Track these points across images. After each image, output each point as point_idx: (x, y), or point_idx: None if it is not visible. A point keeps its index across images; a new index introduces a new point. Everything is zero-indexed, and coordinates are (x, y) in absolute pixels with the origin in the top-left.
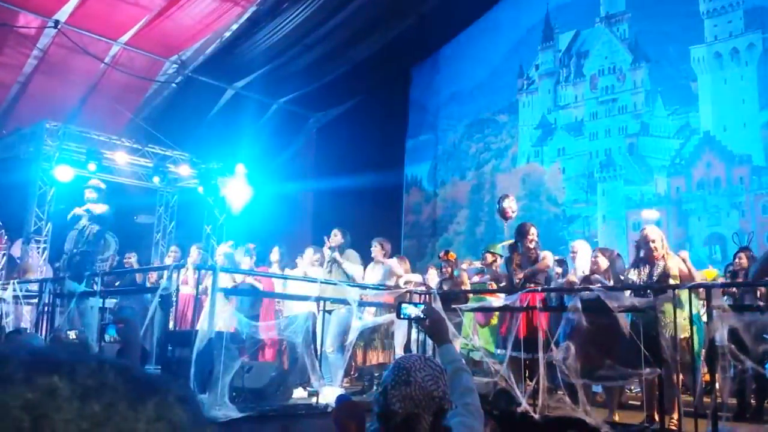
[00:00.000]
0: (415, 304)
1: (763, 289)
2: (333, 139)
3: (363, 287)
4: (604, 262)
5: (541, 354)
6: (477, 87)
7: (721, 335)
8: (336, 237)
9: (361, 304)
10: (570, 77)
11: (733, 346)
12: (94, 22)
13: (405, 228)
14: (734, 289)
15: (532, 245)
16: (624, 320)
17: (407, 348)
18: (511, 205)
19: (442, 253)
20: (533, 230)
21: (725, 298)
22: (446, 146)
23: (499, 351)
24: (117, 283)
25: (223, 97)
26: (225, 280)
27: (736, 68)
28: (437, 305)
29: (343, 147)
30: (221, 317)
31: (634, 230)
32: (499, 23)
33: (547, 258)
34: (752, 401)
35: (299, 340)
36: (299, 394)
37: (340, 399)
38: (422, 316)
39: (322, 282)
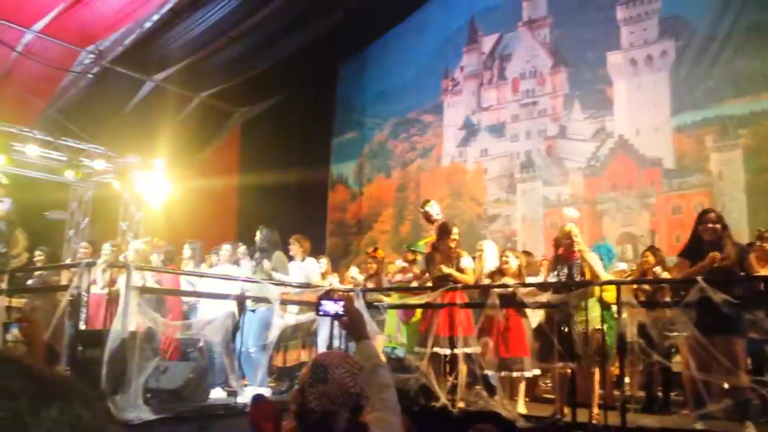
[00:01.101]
0: (335, 301)
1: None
2: (258, 134)
3: (284, 285)
4: (514, 263)
5: (460, 350)
6: (403, 86)
7: (631, 331)
8: (259, 241)
9: (284, 302)
10: (493, 79)
11: (641, 341)
12: (6, 9)
13: (330, 226)
14: (646, 287)
15: (453, 245)
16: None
17: (330, 346)
18: (432, 209)
19: (370, 250)
20: (455, 230)
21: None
22: (372, 145)
23: (417, 349)
24: (28, 282)
25: (142, 90)
26: (141, 279)
27: (650, 74)
28: (360, 303)
29: (269, 143)
30: (135, 316)
31: (552, 229)
32: (426, 23)
33: (467, 271)
34: (659, 393)
35: (218, 339)
36: (218, 394)
37: (256, 399)
38: (341, 313)
39: (244, 279)
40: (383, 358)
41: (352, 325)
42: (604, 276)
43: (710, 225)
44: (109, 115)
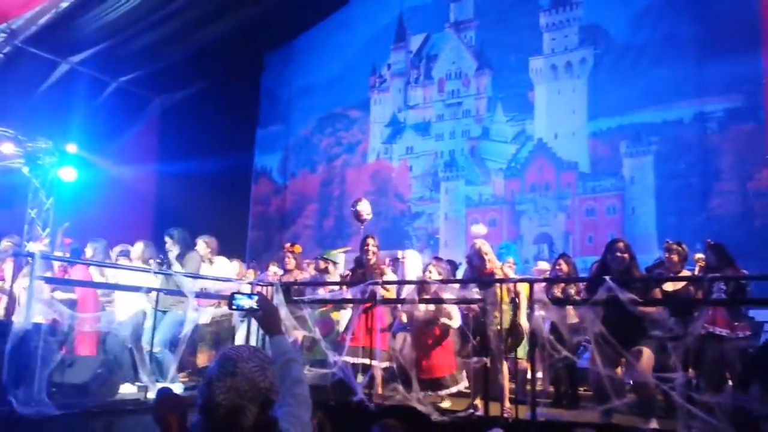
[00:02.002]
0: (249, 296)
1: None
2: (179, 123)
3: (199, 278)
4: (436, 275)
5: (378, 346)
6: (330, 81)
7: (542, 327)
8: (168, 246)
9: (198, 295)
10: (420, 79)
11: (551, 338)
12: None
13: (252, 219)
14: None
15: (373, 258)
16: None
17: (248, 343)
18: (364, 207)
19: (287, 245)
20: (371, 242)
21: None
22: (298, 138)
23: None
24: None
25: (56, 72)
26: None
27: (569, 81)
28: (279, 298)
29: (190, 132)
30: (39, 308)
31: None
32: (354, 19)
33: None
34: (568, 389)
35: (127, 333)
36: (127, 389)
37: (160, 392)
38: (255, 307)
39: (156, 273)
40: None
41: (265, 319)
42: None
43: (618, 254)
44: (19, 98)
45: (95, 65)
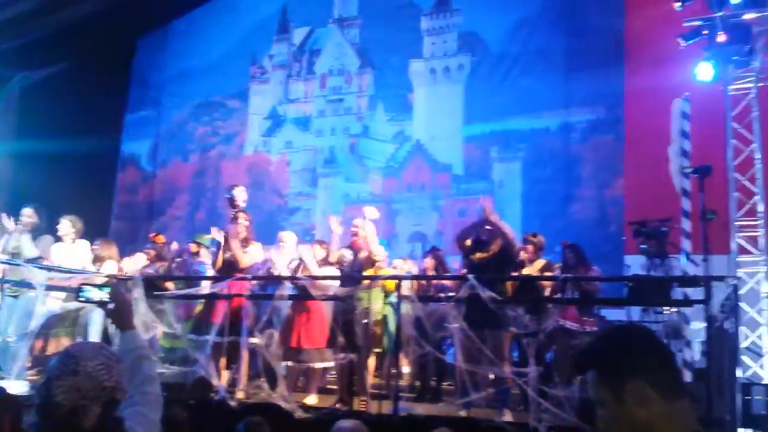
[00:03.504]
0: (99, 287)
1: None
2: (41, 102)
3: (50, 270)
4: (319, 253)
5: (243, 341)
6: (208, 68)
7: (407, 323)
8: (29, 218)
9: (49, 288)
10: (302, 72)
11: (416, 333)
12: None
13: (118, 208)
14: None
15: (241, 230)
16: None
17: (106, 338)
18: (240, 194)
19: (152, 235)
20: (241, 215)
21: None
22: (170, 125)
23: (192, 336)
24: None
25: None
26: None
27: (447, 85)
28: (139, 291)
29: (53, 113)
30: None
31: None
32: (236, 5)
33: (255, 250)
34: (433, 383)
35: None
36: None
37: None
38: (106, 300)
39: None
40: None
41: (117, 313)
42: (378, 249)
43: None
44: None
45: None
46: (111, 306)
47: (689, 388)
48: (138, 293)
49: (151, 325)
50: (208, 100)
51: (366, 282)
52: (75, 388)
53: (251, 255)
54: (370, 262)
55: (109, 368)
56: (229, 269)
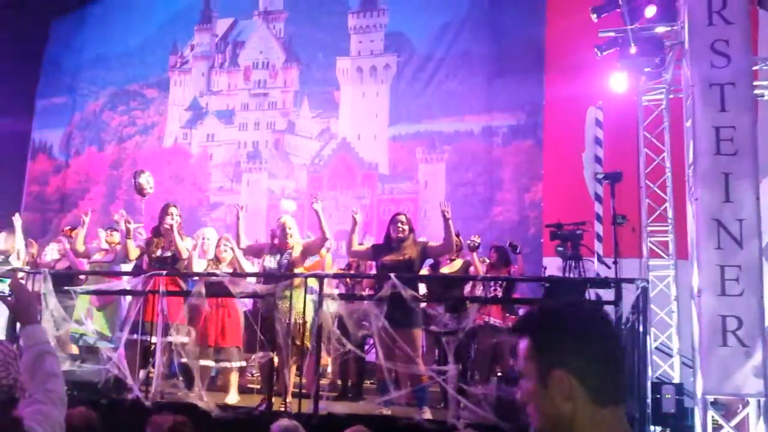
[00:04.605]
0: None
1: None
2: None
3: None
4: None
5: (159, 339)
6: (126, 54)
7: (329, 321)
8: None
9: None
10: (225, 64)
11: (338, 331)
12: None
13: (27, 199)
14: (348, 280)
15: (174, 225)
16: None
17: (10, 334)
18: (148, 180)
19: (66, 229)
20: (173, 210)
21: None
22: (85, 113)
23: (116, 335)
24: None
25: None
26: None
27: (374, 85)
28: (47, 286)
29: None
30: None
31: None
32: None
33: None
34: (355, 381)
35: None
36: None
37: None
38: (7, 292)
39: None
40: (74, 347)
41: (18, 307)
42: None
43: (399, 225)
44: None
45: None
46: (11, 299)
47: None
48: (47, 288)
49: (61, 321)
50: (125, 88)
51: (288, 280)
52: None
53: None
54: (306, 255)
55: (6, 365)
56: (161, 263)
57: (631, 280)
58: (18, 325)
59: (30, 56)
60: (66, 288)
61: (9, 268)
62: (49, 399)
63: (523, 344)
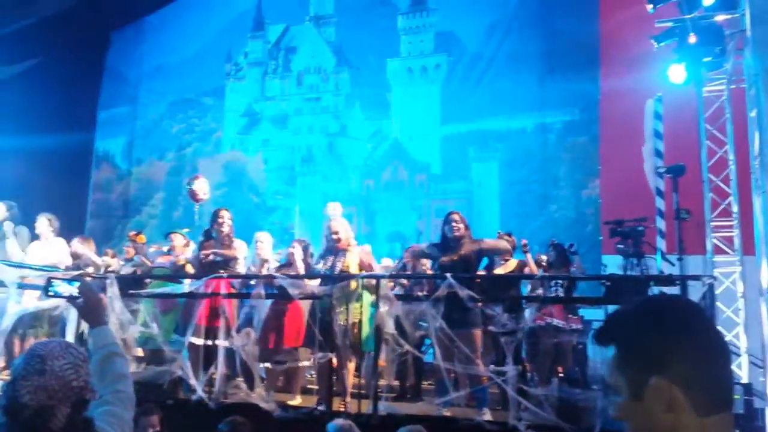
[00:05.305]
0: (69, 282)
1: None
2: (13, 98)
3: (22, 267)
4: (299, 253)
5: (221, 340)
6: (183, 64)
7: (387, 322)
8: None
9: (21, 286)
10: (278, 70)
11: (395, 332)
12: None
13: (92, 206)
14: (405, 281)
15: (225, 229)
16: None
17: (80, 336)
18: (201, 186)
19: (132, 233)
20: (226, 214)
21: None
22: (146, 122)
23: (176, 337)
24: None
25: None
26: None
27: (424, 85)
28: (113, 291)
29: (25, 108)
30: None
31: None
32: (210, 1)
33: (240, 247)
34: (413, 382)
35: None
36: None
37: None
38: (75, 295)
39: None
40: (140, 350)
41: (86, 308)
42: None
43: (453, 224)
44: None
45: None
46: (80, 301)
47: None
48: (113, 292)
49: (127, 324)
50: (183, 97)
51: (344, 282)
52: (42, 388)
53: (240, 252)
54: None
55: (77, 367)
56: (214, 267)
57: (696, 277)
58: (86, 327)
59: (92, 68)
60: (131, 292)
61: (79, 272)
62: (118, 400)
63: (610, 354)
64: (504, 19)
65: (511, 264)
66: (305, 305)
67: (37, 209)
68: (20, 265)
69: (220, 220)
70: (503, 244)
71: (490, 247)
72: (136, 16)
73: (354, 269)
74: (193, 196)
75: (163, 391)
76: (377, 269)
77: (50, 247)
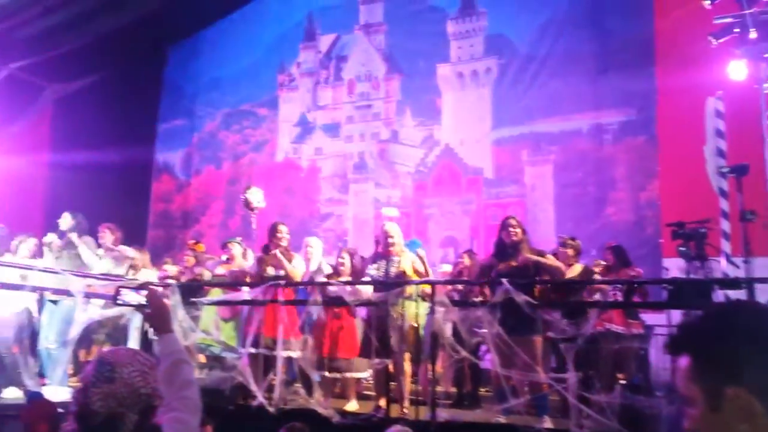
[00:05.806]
0: (137, 291)
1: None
2: (73, 114)
3: (88, 277)
4: (349, 261)
5: (279, 348)
6: (238, 76)
7: (442, 328)
8: (65, 220)
9: (88, 295)
10: (329, 79)
11: (451, 338)
12: None
13: (153, 217)
14: (460, 287)
15: (284, 244)
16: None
17: (145, 342)
18: (255, 196)
19: (190, 242)
20: (284, 228)
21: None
22: (202, 134)
23: (239, 347)
24: None
25: None
26: None
27: (475, 89)
28: (175, 298)
29: (86, 124)
30: None
31: None
32: (263, 14)
33: (299, 266)
34: (470, 389)
35: (10, 334)
36: (12, 394)
37: (31, 398)
38: (143, 303)
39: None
40: (201, 357)
41: (154, 316)
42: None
43: (511, 229)
44: None
45: None
46: (148, 310)
47: None
48: (175, 300)
49: (189, 331)
50: (238, 108)
51: (399, 288)
52: (111, 395)
53: (298, 268)
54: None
55: (144, 374)
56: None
57: (764, 280)
58: (153, 334)
59: (150, 83)
60: (192, 300)
61: (142, 281)
62: (185, 406)
63: (683, 364)
64: (555, 19)
65: (576, 268)
66: (362, 312)
67: (100, 220)
68: (85, 275)
69: (279, 235)
70: (562, 268)
71: (549, 267)
72: (191, 30)
73: (409, 274)
74: (247, 205)
75: (225, 397)
76: (432, 275)
77: (112, 256)
